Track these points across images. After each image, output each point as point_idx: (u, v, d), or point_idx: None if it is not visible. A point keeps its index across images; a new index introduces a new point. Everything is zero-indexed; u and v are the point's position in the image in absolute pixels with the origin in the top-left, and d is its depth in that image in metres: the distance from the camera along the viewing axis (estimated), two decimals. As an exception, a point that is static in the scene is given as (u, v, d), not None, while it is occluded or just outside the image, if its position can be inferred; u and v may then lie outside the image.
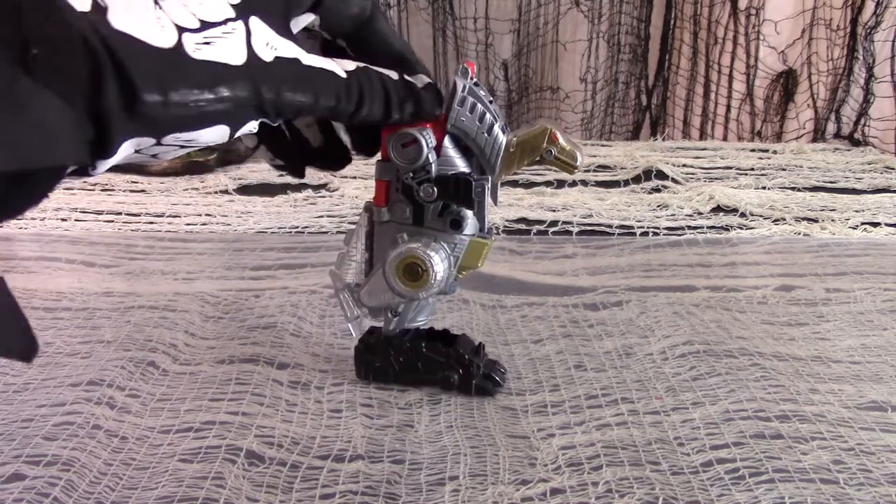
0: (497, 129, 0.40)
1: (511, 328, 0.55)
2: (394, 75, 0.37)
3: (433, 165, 0.40)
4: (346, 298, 0.44)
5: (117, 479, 0.38)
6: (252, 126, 0.33)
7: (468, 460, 0.39)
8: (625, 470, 0.39)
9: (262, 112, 0.32)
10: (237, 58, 0.30)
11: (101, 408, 0.44)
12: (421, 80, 0.39)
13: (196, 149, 0.33)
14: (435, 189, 0.41)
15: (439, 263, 0.41)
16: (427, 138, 0.39)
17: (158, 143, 0.30)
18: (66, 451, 0.39)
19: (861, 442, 0.41)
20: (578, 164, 0.41)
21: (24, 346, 0.26)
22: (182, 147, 0.31)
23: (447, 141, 0.40)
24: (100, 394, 0.45)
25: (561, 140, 0.41)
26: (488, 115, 0.40)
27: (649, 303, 0.59)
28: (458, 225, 0.41)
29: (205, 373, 0.48)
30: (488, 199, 0.42)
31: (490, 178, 0.41)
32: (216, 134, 0.31)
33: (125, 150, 0.29)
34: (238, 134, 0.33)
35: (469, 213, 0.41)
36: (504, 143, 0.41)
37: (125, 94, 0.27)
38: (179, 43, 0.28)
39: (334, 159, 0.43)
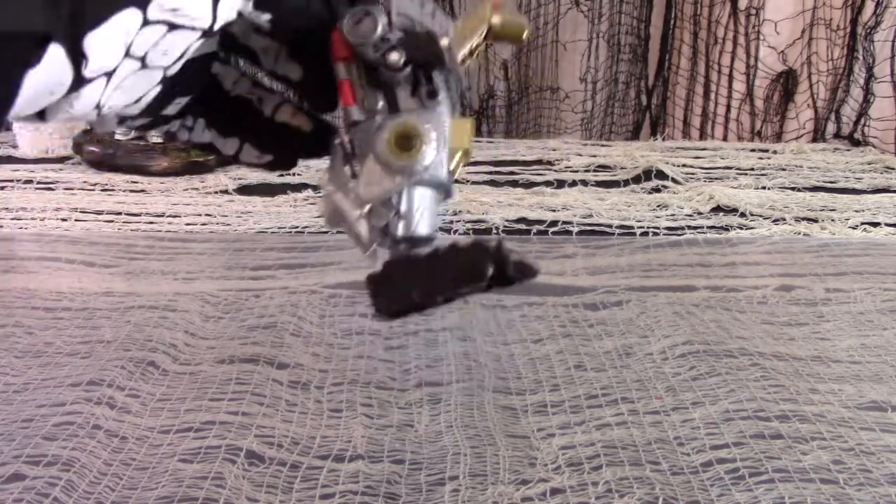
0: (440, 12, 0.40)
1: (511, 328, 0.55)
2: None
3: (391, 34, 0.39)
4: (341, 199, 0.41)
5: (117, 479, 0.38)
6: (231, 8, 0.32)
7: (468, 460, 0.39)
8: (625, 470, 0.39)
9: None
10: None
11: (101, 408, 0.44)
12: None
13: (186, 46, 0.32)
14: (402, 52, 0.39)
15: (431, 130, 0.40)
16: (377, 10, 0.39)
17: (146, 22, 0.29)
18: (66, 451, 0.39)
19: (861, 442, 0.41)
20: (524, 25, 0.42)
21: None
22: (170, 28, 0.30)
23: (395, 32, 0.40)
24: (100, 394, 0.45)
25: (505, 10, 0.42)
26: (429, 2, 0.40)
27: (649, 303, 0.59)
28: (434, 94, 0.40)
29: (205, 373, 0.48)
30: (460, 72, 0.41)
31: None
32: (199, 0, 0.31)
33: (115, 33, 0.28)
34: (220, 17, 0.32)
35: (441, 85, 0.40)
36: (450, 22, 0.40)
37: None
38: None
39: (325, 139, 0.43)
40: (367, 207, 0.41)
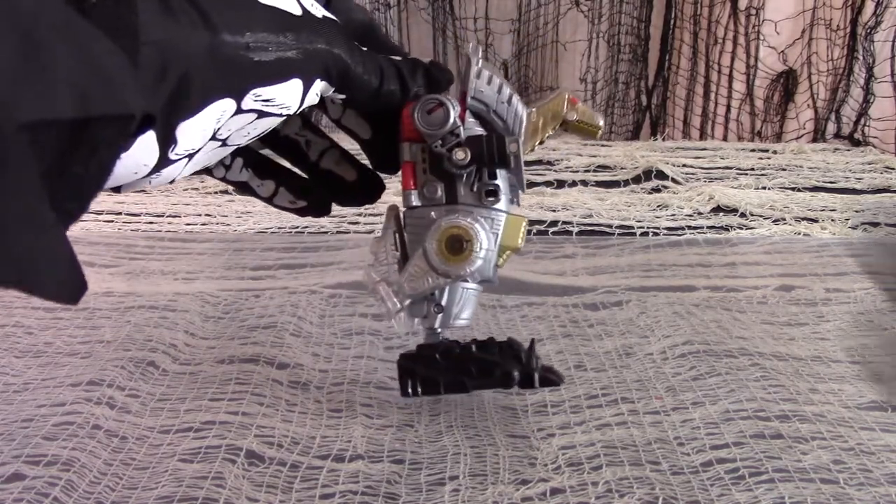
0: (516, 99, 0.39)
1: (511, 328, 0.55)
2: (398, 58, 0.38)
3: (461, 129, 0.38)
4: (385, 290, 0.40)
5: (117, 479, 0.38)
6: (316, 94, 0.33)
7: (468, 460, 0.39)
8: (625, 470, 0.39)
9: (326, 70, 0.32)
10: (295, 8, 0.31)
11: (101, 408, 0.44)
12: (425, 60, 0.39)
13: (268, 128, 0.33)
14: (468, 152, 0.38)
15: (483, 237, 0.39)
16: (451, 101, 0.38)
17: (238, 111, 0.30)
18: (66, 451, 0.39)
19: (861, 442, 0.41)
20: (601, 125, 0.41)
21: (71, 284, 0.24)
22: (259, 115, 0.31)
23: (468, 116, 0.39)
24: (100, 394, 0.45)
25: (580, 104, 0.40)
26: (506, 87, 0.39)
27: (649, 303, 0.59)
28: (494, 194, 0.39)
29: (205, 373, 0.48)
30: (522, 170, 0.40)
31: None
32: (292, 92, 0.31)
33: (208, 120, 0.28)
34: (306, 103, 0.33)
35: (502, 186, 0.39)
36: (525, 112, 0.39)
37: (206, 36, 0.27)
38: None
39: (369, 190, 0.42)
40: (408, 301, 0.40)
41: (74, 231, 0.76)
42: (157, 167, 0.29)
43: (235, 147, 0.34)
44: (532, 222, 0.80)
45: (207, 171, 0.39)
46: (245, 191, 0.41)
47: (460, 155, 0.38)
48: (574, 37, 1.31)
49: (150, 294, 0.60)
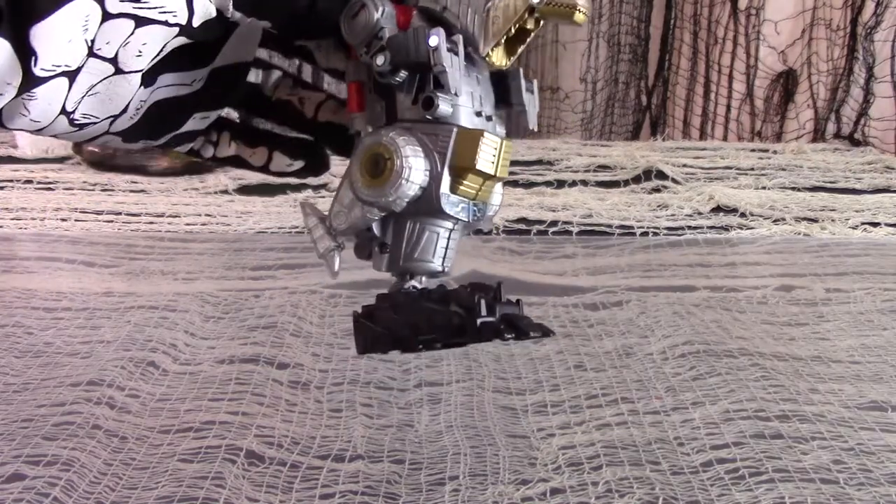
0: None
1: (511, 328, 0.55)
2: None
3: (385, 30, 0.32)
4: (317, 229, 0.35)
5: (117, 479, 0.38)
6: (209, 1, 0.28)
7: (468, 460, 0.39)
8: (625, 470, 0.39)
9: None
10: None
11: (101, 408, 0.44)
12: None
13: (162, 43, 0.28)
14: (387, 55, 0.32)
15: (409, 152, 0.32)
16: (377, 1, 0.32)
17: (107, 15, 0.26)
18: (66, 451, 0.39)
19: (861, 442, 0.41)
20: (574, 9, 0.32)
21: None
22: (138, 23, 0.27)
23: (416, 20, 0.33)
24: (100, 394, 0.45)
25: None
26: None
27: (649, 303, 0.59)
28: (430, 103, 0.32)
29: (205, 373, 0.48)
30: (521, 91, 0.34)
31: (476, 46, 0.33)
32: None
33: (67, 24, 0.25)
34: (197, 12, 0.28)
35: (464, 100, 0.33)
36: (482, 3, 0.32)
37: None
38: None
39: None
40: (343, 239, 0.34)
41: (74, 231, 0.76)
42: (25, 85, 0.26)
43: (139, 74, 0.29)
44: (532, 222, 0.80)
45: (195, 153, 0.36)
46: (239, 165, 0.38)
47: (379, 60, 0.32)
48: (574, 37, 1.31)
49: (150, 294, 0.60)
